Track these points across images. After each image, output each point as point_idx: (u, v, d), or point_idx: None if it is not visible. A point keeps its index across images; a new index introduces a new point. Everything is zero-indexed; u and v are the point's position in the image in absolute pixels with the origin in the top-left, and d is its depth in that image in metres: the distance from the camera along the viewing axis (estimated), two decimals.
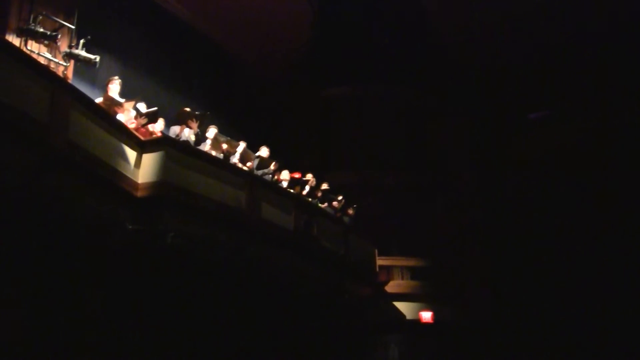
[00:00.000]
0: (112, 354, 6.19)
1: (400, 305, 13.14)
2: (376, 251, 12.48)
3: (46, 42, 7.94)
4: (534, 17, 13.52)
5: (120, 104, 7.11)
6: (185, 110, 8.38)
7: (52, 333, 5.53)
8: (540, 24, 13.71)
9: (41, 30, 7.83)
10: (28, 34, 7.74)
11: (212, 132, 8.81)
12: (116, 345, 6.29)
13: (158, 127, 7.94)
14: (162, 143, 6.98)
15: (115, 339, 6.30)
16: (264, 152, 9.93)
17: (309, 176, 10.99)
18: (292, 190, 9.96)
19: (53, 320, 5.56)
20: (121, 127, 6.62)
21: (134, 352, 6.49)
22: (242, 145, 9.31)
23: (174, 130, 8.33)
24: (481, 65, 15.20)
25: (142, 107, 7.67)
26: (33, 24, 7.78)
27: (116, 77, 7.58)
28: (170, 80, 11.27)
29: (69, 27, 8.30)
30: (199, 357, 7.56)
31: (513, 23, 13.77)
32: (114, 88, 7.44)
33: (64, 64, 8.05)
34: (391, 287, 13.14)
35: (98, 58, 8.05)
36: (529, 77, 15.32)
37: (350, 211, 11.99)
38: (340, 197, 11.62)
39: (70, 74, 8.22)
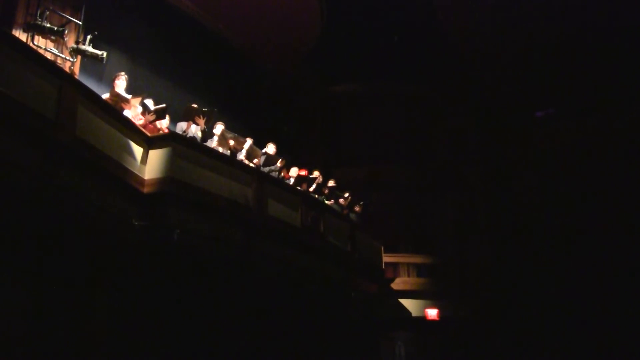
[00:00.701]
0: (116, 352, 6.18)
1: (406, 303, 13.16)
2: (382, 248, 12.48)
3: (53, 37, 7.93)
4: (540, 16, 13.44)
5: (127, 100, 7.09)
6: (192, 107, 8.35)
7: (56, 332, 5.51)
8: (546, 23, 13.63)
9: (48, 25, 7.83)
10: (35, 29, 7.74)
11: (219, 128, 8.79)
12: (121, 342, 6.28)
13: (164, 123, 7.92)
14: (169, 139, 6.96)
15: (120, 336, 6.29)
16: (270, 148, 9.91)
17: (316, 173, 10.97)
18: (299, 187, 9.94)
19: (56, 319, 5.54)
20: (128, 123, 6.61)
21: (138, 350, 6.47)
22: (249, 141, 9.28)
23: (181, 126, 8.31)
24: (488, 64, 15.14)
25: (150, 103, 7.66)
26: (40, 19, 7.77)
27: (122, 73, 7.56)
28: (177, 76, 11.24)
29: (76, 23, 8.28)
30: (204, 354, 7.55)
31: (520, 22, 13.69)
32: (121, 84, 7.42)
33: (71, 59, 8.04)
34: (397, 284, 13.16)
35: (105, 54, 8.04)
36: (535, 75, 15.25)
37: (357, 208, 11.98)
38: (347, 194, 11.61)
39: (77, 69, 8.22)
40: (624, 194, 14.15)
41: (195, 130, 8.27)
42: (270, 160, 9.66)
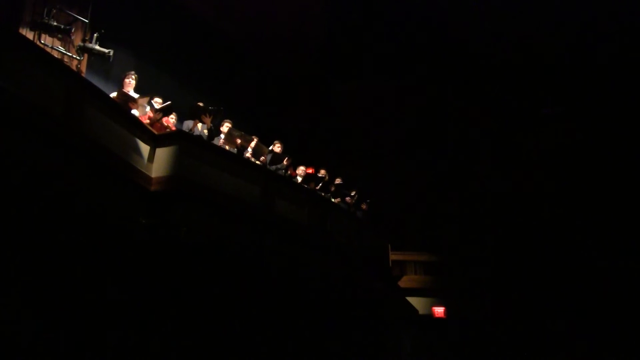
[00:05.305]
0: (121, 350, 6.18)
1: (413, 300, 13.13)
2: (389, 246, 12.45)
3: (60, 35, 7.96)
4: (547, 13, 13.39)
5: (134, 100, 7.09)
6: (199, 105, 8.34)
7: (62, 330, 5.51)
8: (552, 20, 13.56)
9: (55, 24, 7.85)
10: (42, 27, 7.76)
11: (226, 126, 8.79)
12: (126, 340, 6.28)
13: (171, 121, 7.92)
14: (176, 137, 6.95)
15: (125, 334, 6.29)
16: (277, 147, 9.90)
17: (323, 171, 10.95)
18: (305, 186, 9.93)
19: (62, 318, 5.54)
20: (135, 121, 6.61)
21: (144, 348, 6.48)
22: (255, 140, 9.27)
23: (188, 124, 8.30)
24: (495, 61, 15.05)
25: (156, 103, 7.67)
26: (47, 18, 7.79)
27: (132, 72, 7.58)
28: (183, 74, 11.25)
29: (82, 21, 8.30)
30: (210, 351, 7.55)
31: (527, 18, 13.62)
32: (130, 83, 7.44)
33: (78, 57, 8.05)
34: (404, 282, 13.12)
35: (112, 52, 8.05)
36: (542, 73, 15.16)
37: (364, 206, 11.95)
38: (353, 192, 11.57)
39: (84, 67, 8.24)
40: (631, 192, 14.08)
41: (201, 128, 8.27)
42: (276, 158, 9.64)
